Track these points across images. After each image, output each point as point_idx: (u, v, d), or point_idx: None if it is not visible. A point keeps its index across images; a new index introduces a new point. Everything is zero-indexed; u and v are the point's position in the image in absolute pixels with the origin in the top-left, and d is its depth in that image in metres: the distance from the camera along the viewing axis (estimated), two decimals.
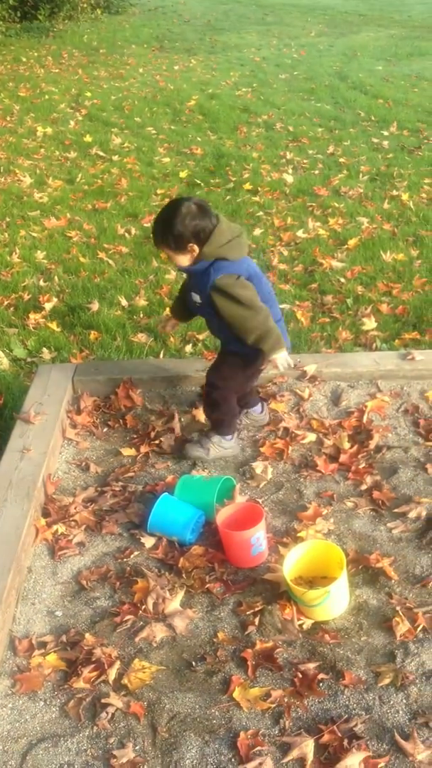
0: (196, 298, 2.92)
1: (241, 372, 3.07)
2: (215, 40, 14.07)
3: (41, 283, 4.99)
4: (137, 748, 2.07)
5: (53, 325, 4.43)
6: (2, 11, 14.27)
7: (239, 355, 3.02)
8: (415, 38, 13.99)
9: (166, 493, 2.87)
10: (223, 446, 3.16)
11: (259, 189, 6.63)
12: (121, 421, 3.42)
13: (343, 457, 3.16)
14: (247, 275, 2.82)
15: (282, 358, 2.90)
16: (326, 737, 2.06)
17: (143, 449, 3.26)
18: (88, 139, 8.16)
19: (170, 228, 2.72)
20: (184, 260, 2.80)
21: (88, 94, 10.18)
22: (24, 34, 14.52)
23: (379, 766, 2.00)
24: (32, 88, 10.51)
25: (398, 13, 16.99)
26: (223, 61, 12.39)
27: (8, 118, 9.08)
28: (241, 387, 3.14)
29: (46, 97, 10.05)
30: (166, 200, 6.37)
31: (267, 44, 13.69)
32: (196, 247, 2.74)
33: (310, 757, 2.02)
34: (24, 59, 12.46)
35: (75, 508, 2.92)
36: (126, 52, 13.07)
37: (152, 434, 3.32)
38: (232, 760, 2.04)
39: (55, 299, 4.75)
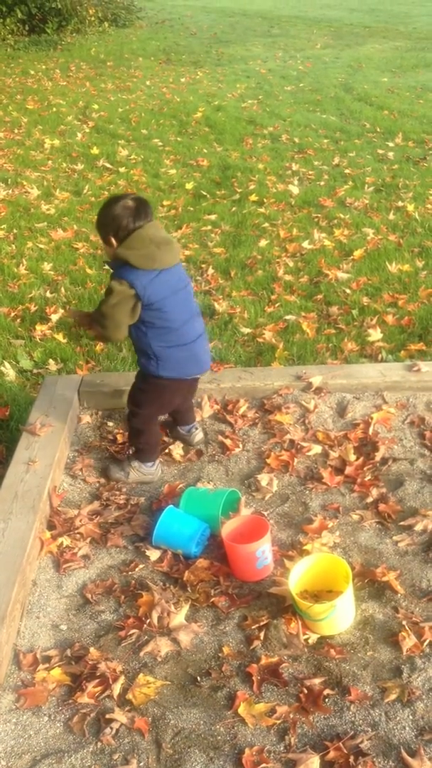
0: None
1: (150, 394, 3.03)
2: (221, 53, 14.15)
3: (48, 294, 5.00)
4: (141, 764, 2.06)
5: (59, 337, 4.44)
6: (11, 25, 14.44)
7: (142, 373, 3.00)
8: (421, 50, 14.03)
9: (171, 506, 2.86)
10: (143, 471, 3.15)
11: (265, 200, 6.64)
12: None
13: (348, 470, 3.15)
14: (145, 288, 2.72)
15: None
16: (332, 754, 2.05)
17: None
18: (95, 151, 8.20)
19: (100, 216, 2.81)
20: (107, 253, 2.85)
21: (96, 106, 10.23)
22: (32, 48, 14.63)
23: None
24: (40, 101, 10.58)
25: (403, 25, 17.05)
26: (230, 73, 12.45)
27: (16, 131, 9.13)
28: (157, 410, 3.12)
29: (54, 109, 10.11)
30: (172, 212, 6.42)
31: (273, 56, 13.75)
32: (114, 243, 2.76)
33: None
34: (32, 72, 12.54)
35: (80, 521, 2.92)
36: (133, 65, 13.14)
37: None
38: None
39: (61, 310, 4.76)
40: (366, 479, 3.10)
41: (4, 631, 2.33)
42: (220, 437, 3.38)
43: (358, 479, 3.10)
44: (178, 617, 2.48)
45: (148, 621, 2.47)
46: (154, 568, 2.72)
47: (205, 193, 6.89)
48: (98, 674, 2.29)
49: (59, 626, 2.51)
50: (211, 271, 5.28)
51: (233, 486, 3.08)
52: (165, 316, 2.80)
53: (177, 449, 3.31)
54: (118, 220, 2.72)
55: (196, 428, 3.35)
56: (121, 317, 2.77)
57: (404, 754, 2.04)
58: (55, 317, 4.66)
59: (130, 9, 17.53)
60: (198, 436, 3.34)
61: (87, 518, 2.94)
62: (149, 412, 3.09)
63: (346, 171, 7.41)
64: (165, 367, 2.90)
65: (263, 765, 2.03)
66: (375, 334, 4.33)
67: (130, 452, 3.21)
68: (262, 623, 2.45)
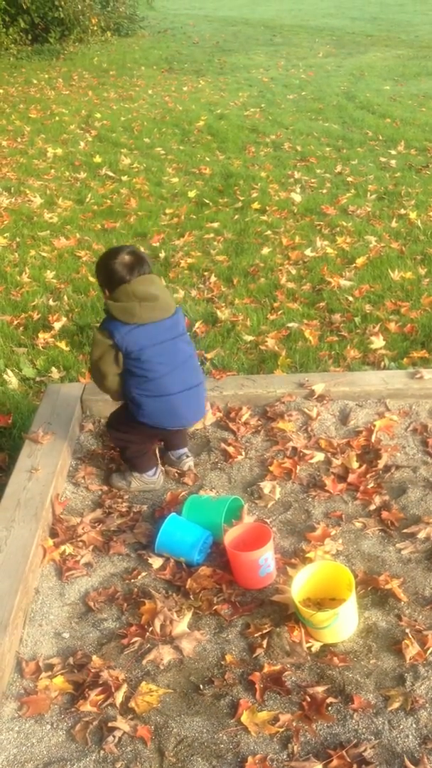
0: None
1: (128, 427, 3.04)
2: (224, 62, 14.21)
3: (50, 302, 5.01)
4: None
5: (62, 345, 4.45)
6: (14, 34, 14.52)
7: (127, 405, 3.02)
8: (423, 58, 14.08)
9: (174, 514, 2.86)
10: (144, 480, 3.15)
11: (267, 208, 6.66)
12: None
13: (351, 477, 3.14)
14: (123, 338, 2.79)
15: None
16: (335, 762, 2.04)
17: None
18: (97, 159, 8.23)
19: (97, 266, 2.95)
20: (104, 300, 2.94)
21: (98, 115, 10.28)
22: (35, 57, 14.71)
23: None
24: (43, 110, 10.63)
25: (405, 33, 17.11)
26: (232, 81, 12.50)
27: (19, 140, 9.18)
28: (136, 436, 3.09)
29: (57, 118, 10.16)
30: (175, 220, 6.44)
31: (275, 65, 13.80)
32: (107, 293, 2.88)
33: None
34: (35, 81, 12.61)
35: (83, 529, 2.92)
36: (135, 74, 13.21)
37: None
38: None
39: (64, 318, 4.77)
40: (369, 487, 3.09)
41: (6, 639, 2.33)
42: (223, 445, 3.38)
43: (361, 487, 3.10)
44: (181, 625, 2.47)
45: (150, 629, 2.47)
46: (156, 576, 2.72)
47: (207, 201, 6.91)
48: (101, 682, 2.28)
49: (62, 634, 2.51)
50: (213, 278, 5.29)
51: (236, 493, 3.08)
52: (143, 366, 2.84)
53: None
54: (110, 273, 2.83)
55: (188, 456, 3.28)
56: (106, 368, 2.88)
57: (408, 763, 2.03)
58: (57, 325, 4.67)
59: (133, 18, 17.63)
60: (187, 464, 3.26)
61: (89, 526, 2.94)
62: (124, 437, 3.12)
63: (349, 179, 7.43)
64: (143, 414, 2.93)
65: None
66: (377, 342, 4.33)
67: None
68: (264, 631, 2.45)
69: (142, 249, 5.76)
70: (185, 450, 3.29)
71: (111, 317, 2.83)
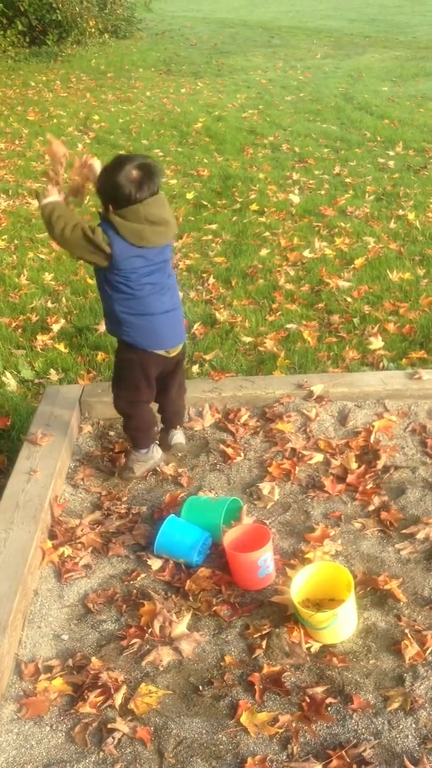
0: None
1: (123, 371, 3.02)
2: (222, 63, 14.22)
3: (49, 304, 5.01)
4: None
5: (61, 347, 4.45)
6: (11, 37, 14.54)
7: (116, 354, 3.03)
8: (420, 59, 14.09)
9: (173, 515, 2.86)
10: (142, 459, 3.19)
11: (266, 210, 6.66)
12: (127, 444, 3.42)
13: (350, 478, 3.14)
14: (121, 254, 2.65)
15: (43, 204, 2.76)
16: (335, 763, 2.04)
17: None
18: None
19: (101, 179, 2.69)
20: (102, 207, 2.74)
21: (96, 117, 10.29)
22: (33, 59, 14.72)
23: None
24: (41, 112, 10.64)
25: (403, 34, 17.13)
26: (230, 83, 12.51)
27: (17, 142, 9.18)
28: (135, 393, 3.04)
29: (55, 120, 10.16)
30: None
31: (273, 66, 13.81)
32: (111, 208, 2.67)
33: None
34: (33, 83, 12.61)
35: (81, 530, 2.92)
36: (133, 76, 13.22)
37: None
38: None
39: (62, 320, 4.77)
40: (368, 487, 3.09)
41: (5, 641, 2.32)
42: (222, 446, 3.38)
43: (360, 487, 3.10)
44: (180, 626, 2.47)
45: (149, 630, 2.47)
46: (155, 578, 2.72)
47: (205, 203, 6.91)
48: (100, 684, 2.28)
49: (61, 636, 2.51)
50: (212, 280, 5.29)
51: (235, 495, 3.08)
52: (131, 284, 2.75)
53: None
54: (118, 190, 2.60)
55: (176, 429, 3.30)
56: (82, 247, 2.67)
57: (407, 763, 2.03)
58: (56, 327, 4.67)
59: (130, 20, 17.64)
60: (176, 438, 3.27)
61: (88, 528, 2.94)
62: (127, 394, 3.08)
63: (347, 180, 7.43)
64: (128, 333, 2.88)
65: None
66: (376, 343, 4.33)
67: (128, 447, 3.27)
68: (264, 632, 2.45)
69: None
70: (178, 428, 3.33)
71: (114, 230, 2.63)
